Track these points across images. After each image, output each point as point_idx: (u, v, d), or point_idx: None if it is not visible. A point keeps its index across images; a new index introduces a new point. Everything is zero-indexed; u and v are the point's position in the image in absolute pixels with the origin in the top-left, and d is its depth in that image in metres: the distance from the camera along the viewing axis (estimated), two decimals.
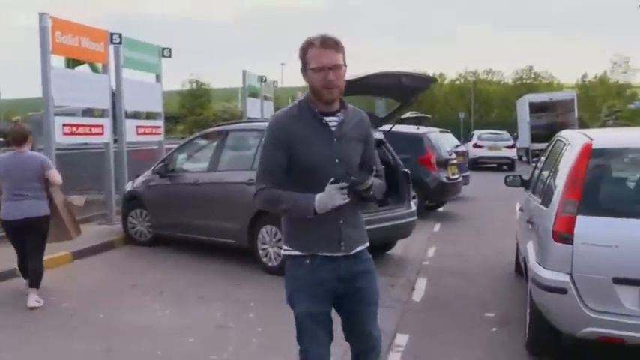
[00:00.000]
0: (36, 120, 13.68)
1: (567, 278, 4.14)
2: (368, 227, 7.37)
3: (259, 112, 17.86)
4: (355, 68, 6.86)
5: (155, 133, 12.41)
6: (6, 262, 7.10)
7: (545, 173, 5.57)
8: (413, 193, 11.01)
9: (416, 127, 13.26)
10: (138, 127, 11.83)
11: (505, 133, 27.55)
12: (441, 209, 13.27)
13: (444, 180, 12.24)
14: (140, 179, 9.56)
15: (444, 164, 12.36)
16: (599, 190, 4.37)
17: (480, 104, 64.05)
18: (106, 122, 10.67)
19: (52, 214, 6.43)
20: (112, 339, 5.23)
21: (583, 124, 31.47)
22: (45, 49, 9.14)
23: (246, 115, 17.17)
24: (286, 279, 3.04)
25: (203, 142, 9.33)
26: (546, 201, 4.73)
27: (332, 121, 2.92)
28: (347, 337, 3.10)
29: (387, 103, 14.45)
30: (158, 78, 12.45)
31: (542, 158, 6.43)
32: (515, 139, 31.88)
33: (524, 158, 29.06)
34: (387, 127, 8.67)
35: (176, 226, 8.77)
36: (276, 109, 16.41)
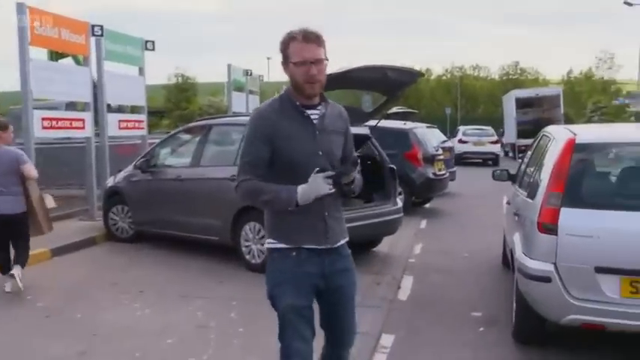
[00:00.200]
0: (16, 114, 13.43)
1: (552, 268, 4.31)
2: (353, 224, 7.27)
3: (245, 106, 17.69)
4: (339, 63, 6.74)
5: (138, 128, 12.21)
6: None
7: (531, 167, 5.70)
8: (399, 189, 10.93)
9: (402, 122, 13.17)
10: (120, 121, 11.62)
11: (489, 129, 27.91)
12: (427, 205, 13.17)
13: (431, 176, 12.12)
14: (122, 174, 9.37)
15: (430, 160, 12.24)
16: (583, 183, 4.54)
17: (466, 100, 64.07)
18: (87, 116, 10.46)
19: (27, 208, 6.42)
20: (89, 340, 5.06)
21: (569, 120, 31.54)
22: (23, 40, 8.91)
23: (232, 110, 17.00)
24: (269, 273, 3.01)
25: (186, 136, 9.14)
26: (532, 194, 4.87)
27: (313, 114, 2.93)
28: (322, 326, 3.12)
29: (374, 98, 14.31)
30: (141, 71, 12.22)
31: (529, 153, 6.51)
32: (502, 134, 31.95)
33: (511, 154, 29.06)
34: (372, 122, 8.54)
35: (158, 222, 8.59)
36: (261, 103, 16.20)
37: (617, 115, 42.79)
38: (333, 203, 2.97)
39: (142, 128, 12.30)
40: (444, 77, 68.81)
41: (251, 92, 19.02)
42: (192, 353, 4.75)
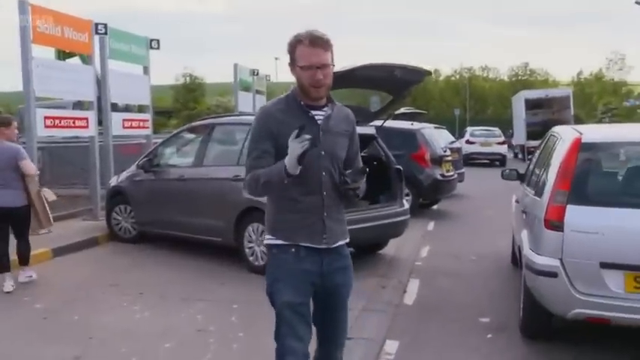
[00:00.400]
0: (24, 113, 13.34)
1: (558, 263, 4.44)
2: (358, 226, 7.12)
3: (251, 106, 17.55)
4: (341, 64, 6.57)
5: (143, 127, 12.09)
6: None
7: (539, 166, 5.82)
8: (406, 191, 10.76)
9: (410, 122, 13.00)
10: (124, 120, 11.50)
11: (497, 130, 28.14)
12: (435, 207, 12.98)
13: (438, 177, 11.94)
14: (125, 174, 9.26)
15: (438, 161, 12.06)
16: (588, 181, 4.66)
17: (475, 101, 63.73)
18: (91, 115, 10.36)
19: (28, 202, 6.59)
20: (85, 344, 4.92)
21: (579, 121, 31.19)
22: (25, 38, 8.81)
23: (238, 110, 16.88)
24: (268, 268, 3.02)
25: (189, 135, 9.00)
26: (539, 192, 5.01)
27: (318, 115, 2.95)
28: (314, 321, 3.08)
29: (382, 98, 14.16)
30: (146, 70, 12.11)
31: (537, 152, 6.64)
32: (511, 136, 31.69)
33: (520, 155, 28.82)
34: (378, 122, 8.37)
35: (161, 223, 8.47)
36: None
37: (629, 116, 42.37)
38: (334, 204, 2.98)
39: (147, 127, 12.18)
40: (453, 78, 68.49)
41: (258, 92, 18.88)
42: (190, 358, 4.62)
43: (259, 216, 6.66)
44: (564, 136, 5.14)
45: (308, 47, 2.82)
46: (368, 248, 8.15)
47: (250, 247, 7.16)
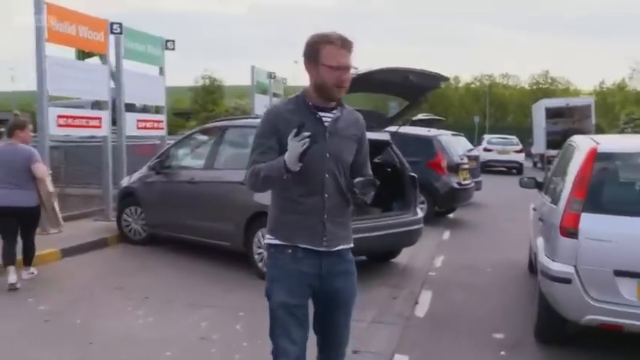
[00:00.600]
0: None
1: (572, 270, 4.52)
2: (370, 234, 6.93)
3: None
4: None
5: (157, 128, 12.01)
6: None
7: (557, 175, 5.91)
8: (421, 199, 10.56)
9: (427, 129, 12.79)
10: (138, 120, 11.42)
11: (514, 138, 28.32)
12: (451, 215, 12.75)
13: (455, 185, 11.71)
14: (136, 175, 9.17)
15: (455, 169, 11.84)
16: (603, 190, 4.76)
17: (495, 108, 63.19)
18: (105, 114, 10.29)
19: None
20: (85, 349, 4.80)
21: (600, 131, 30.74)
22: (40, 36, 8.78)
23: (254, 113, 16.79)
24: (267, 269, 3.02)
25: (202, 137, 8.89)
26: (555, 199, 5.12)
27: (326, 117, 2.93)
28: (315, 330, 3.06)
29: (400, 103, 13.97)
30: (161, 71, 12.03)
31: (555, 161, 6.75)
32: (531, 144, 31.32)
33: (539, 164, 28.45)
34: (393, 128, 8.19)
35: (170, 225, 8.36)
36: None
37: None
38: (336, 207, 2.94)
39: (162, 128, 12.09)
40: (473, 85, 68.02)
41: (275, 95, 18.79)
42: None
43: None
44: (581, 145, 5.24)
45: (338, 48, 2.81)
46: (380, 257, 7.98)
47: (260, 253, 7.00)
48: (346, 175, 2.96)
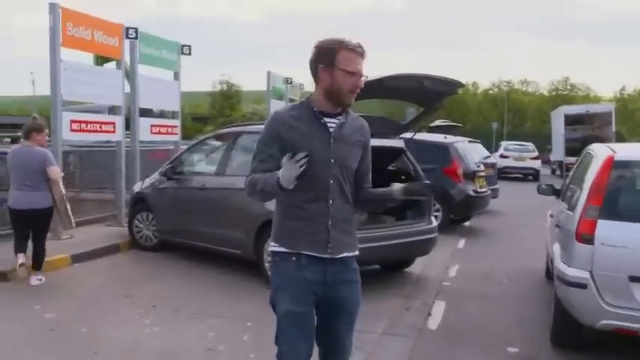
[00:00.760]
0: None
1: (588, 275, 4.59)
2: (383, 243, 6.79)
3: None
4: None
5: (171, 133, 11.96)
6: None
7: (574, 182, 6.00)
8: (436, 206, 10.39)
9: (443, 135, 12.62)
10: (152, 125, 11.38)
11: (530, 145, 28.71)
12: (467, 223, 12.54)
13: (471, 193, 11.52)
14: (148, 180, 9.11)
15: (471, 176, 11.65)
16: (619, 197, 4.85)
17: (513, 114, 62.73)
18: (118, 119, 10.26)
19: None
20: (89, 359, 4.71)
21: (620, 138, 30.33)
22: (54, 41, 8.75)
23: None
24: (272, 276, 2.99)
25: (214, 143, 8.81)
26: (572, 206, 5.20)
27: (331, 122, 2.91)
28: (317, 341, 3.00)
29: (418, 110, 13.82)
30: (176, 76, 11.99)
31: (573, 168, 6.80)
32: (549, 151, 30.97)
33: (558, 172, 28.09)
34: (408, 135, 8.05)
35: (181, 232, 8.28)
36: None
37: None
38: (340, 214, 2.91)
39: (176, 134, 12.05)
40: (491, 91, 67.60)
41: (291, 100, 18.69)
42: None
43: None
44: (598, 153, 5.34)
45: (355, 54, 2.82)
46: (393, 266, 7.83)
47: (270, 261, 6.88)
48: (351, 181, 2.95)
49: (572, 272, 4.71)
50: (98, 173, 13.13)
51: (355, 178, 2.99)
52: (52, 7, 8.71)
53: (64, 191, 6.94)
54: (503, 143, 30.30)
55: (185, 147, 10.30)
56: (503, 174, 23.98)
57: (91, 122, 9.76)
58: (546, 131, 38.54)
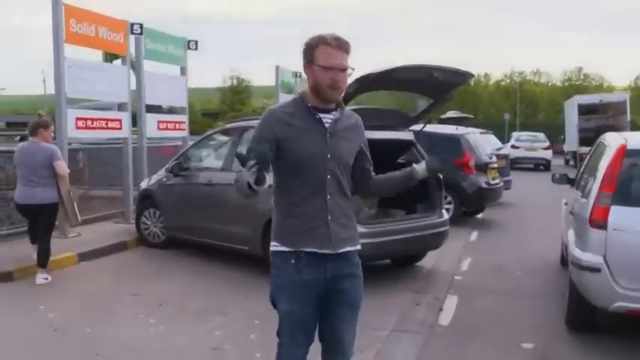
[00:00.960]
0: None
1: (601, 259, 4.75)
2: (394, 237, 6.64)
3: None
4: None
5: (178, 129, 11.87)
6: None
7: (587, 171, 6.18)
8: (448, 199, 10.22)
9: (454, 127, 12.43)
10: (159, 121, 11.28)
11: (542, 135, 28.91)
12: (479, 216, 12.35)
13: (483, 185, 11.33)
14: (155, 177, 9.02)
15: (483, 168, 11.45)
16: (632, 184, 4.99)
17: (526, 105, 62.19)
18: (125, 116, 10.17)
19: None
20: None
21: (636, 127, 29.83)
22: (58, 37, 8.66)
23: None
24: (272, 275, 2.97)
25: (221, 138, 8.70)
26: (586, 194, 5.39)
27: (326, 118, 2.89)
28: (319, 337, 3.00)
29: (429, 102, 13.62)
30: (183, 71, 11.89)
31: (587, 157, 6.91)
32: (563, 141, 30.63)
33: (572, 162, 27.78)
34: (418, 127, 7.88)
35: (188, 228, 8.19)
36: None
37: None
38: (339, 208, 2.89)
39: (183, 130, 11.96)
40: (503, 82, 67.08)
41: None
42: None
43: None
44: (611, 142, 5.49)
45: (332, 48, 2.78)
46: (404, 260, 7.69)
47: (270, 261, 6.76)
48: (348, 176, 2.94)
49: (587, 257, 4.87)
50: (106, 170, 13.09)
51: (360, 172, 3.01)
52: (55, 4, 8.62)
53: (69, 186, 6.96)
54: (515, 134, 30.52)
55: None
56: (515, 164, 23.93)
57: (97, 119, 9.67)
58: (559, 122, 38.14)
